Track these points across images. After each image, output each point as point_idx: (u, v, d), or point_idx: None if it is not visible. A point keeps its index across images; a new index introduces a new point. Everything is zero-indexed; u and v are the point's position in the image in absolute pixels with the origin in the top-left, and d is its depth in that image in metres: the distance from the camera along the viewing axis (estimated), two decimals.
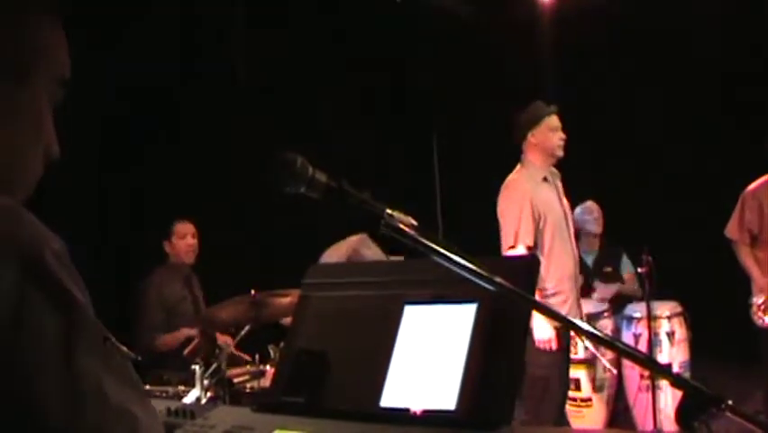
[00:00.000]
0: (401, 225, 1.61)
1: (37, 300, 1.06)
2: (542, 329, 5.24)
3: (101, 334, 1.13)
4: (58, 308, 1.08)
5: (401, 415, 2.01)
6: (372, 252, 3.54)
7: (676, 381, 1.75)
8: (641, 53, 8.47)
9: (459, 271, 1.64)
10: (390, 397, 2.05)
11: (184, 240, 6.50)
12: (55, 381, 1.04)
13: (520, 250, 5.39)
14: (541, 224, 5.46)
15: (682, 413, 1.63)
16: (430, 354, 2.07)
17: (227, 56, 7.18)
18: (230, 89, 7.18)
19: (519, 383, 2.02)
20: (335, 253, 3.80)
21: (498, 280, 1.65)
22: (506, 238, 5.50)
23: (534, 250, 5.41)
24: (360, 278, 2.35)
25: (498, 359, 1.99)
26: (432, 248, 1.62)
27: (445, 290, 2.11)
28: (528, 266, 2.11)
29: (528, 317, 2.08)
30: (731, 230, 6.41)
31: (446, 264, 1.63)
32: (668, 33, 8.33)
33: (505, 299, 1.99)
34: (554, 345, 5.27)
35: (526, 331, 2.13)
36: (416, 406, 2.01)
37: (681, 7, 8.25)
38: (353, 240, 3.73)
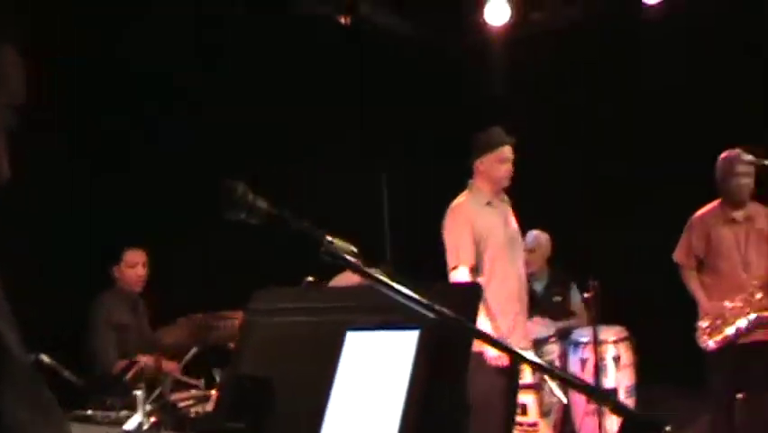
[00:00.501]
0: (340, 252, 1.62)
1: None
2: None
3: (25, 372, 1.11)
4: None
5: None
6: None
7: (616, 407, 1.77)
8: (593, 78, 8.57)
9: (399, 298, 1.64)
10: (331, 426, 2.04)
11: (134, 269, 6.42)
12: None
13: (462, 271, 5.55)
14: (482, 246, 5.59)
15: None
16: (372, 381, 2.06)
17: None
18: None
19: (463, 410, 2.02)
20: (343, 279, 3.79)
21: (438, 308, 1.66)
22: (449, 259, 5.64)
23: (475, 271, 5.52)
24: (303, 303, 2.34)
25: (441, 386, 1.98)
26: (371, 275, 1.63)
27: (388, 317, 2.11)
28: (470, 293, 2.12)
29: (470, 343, 2.08)
30: (678, 255, 6.48)
31: (386, 292, 1.63)
32: (619, 56, 8.44)
33: (448, 326, 2.00)
34: (506, 362, 5.32)
35: (469, 357, 2.12)
36: None
37: (634, 33, 8.37)
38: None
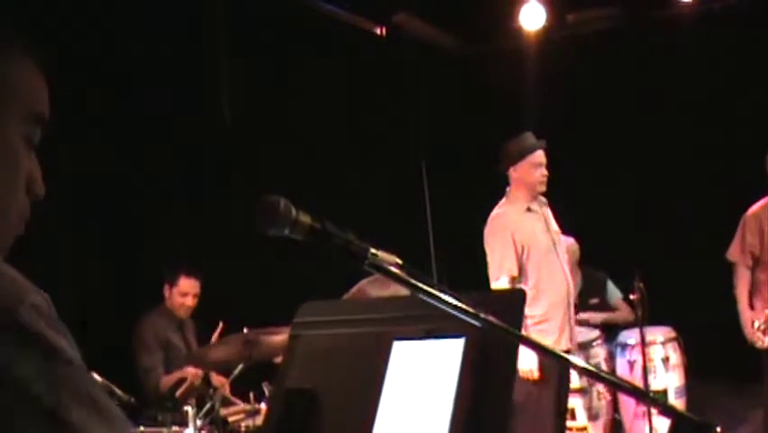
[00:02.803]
0: (385, 264, 1.63)
1: (23, 359, 1.07)
2: (524, 359, 5.29)
3: (86, 381, 1.13)
4: (44, 365, 1.08)
5: None
6: (383, 292, 3.54)
7: (665, 409, 1.77)
8: (630, 80, 8.53)
9: (444, 307, 1.65)
10: None
11: (184, 298, 6.45)
12: (40, 431, 1.05)
13: (504, 280, 5.57)
14: (524, 255, 5.59)
15: None
16: (420, 390, 2.08)
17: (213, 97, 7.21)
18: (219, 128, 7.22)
19: (509, 416, 2.02)
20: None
21: (483, 315, 1.67)
22: (491, 270, 5.64)
23: (518, 280, 5.54)
24: (349, 315, 2.36)
25: (488, 393, 1.99)
26: (416, 286, 1.64)
27: (434, 326, 2.12)
28: (515, 300, 2.13)
29: (517, 350, 2.09)
30: (733, 253, 6.43)
31: (431, 301, 1.64)
32: (656, 59, 8.41)
33: (493, 333, 2.01)
34: (536, 375, 5.32)
35: (515, 363, 2.14)
36: None
37: (670, 36, 8.33)
38: (366, 280, 3.75)
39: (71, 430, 1.07)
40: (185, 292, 6.44)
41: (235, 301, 6.44)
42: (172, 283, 6.46)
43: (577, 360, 1.75)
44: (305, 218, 1.62)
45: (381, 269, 1.62)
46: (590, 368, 1.77)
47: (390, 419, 2.07)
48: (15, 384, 1.06)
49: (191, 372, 5.97)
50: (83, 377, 1.13)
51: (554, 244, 5.80)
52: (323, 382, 2.22)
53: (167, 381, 6.15)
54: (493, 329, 1.74)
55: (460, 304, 1.66)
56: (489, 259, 5.69)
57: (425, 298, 1.64)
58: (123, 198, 6.40)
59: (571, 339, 5.77)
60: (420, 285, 1.64)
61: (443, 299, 1.65)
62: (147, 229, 6.63)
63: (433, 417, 2.01)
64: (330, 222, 1.64)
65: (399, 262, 1.65)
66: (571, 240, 7.69)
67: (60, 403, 1.08)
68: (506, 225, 5.67)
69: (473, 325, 1.80)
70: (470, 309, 1.66)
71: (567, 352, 5.62)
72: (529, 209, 5.75)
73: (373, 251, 1.62)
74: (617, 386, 1.77)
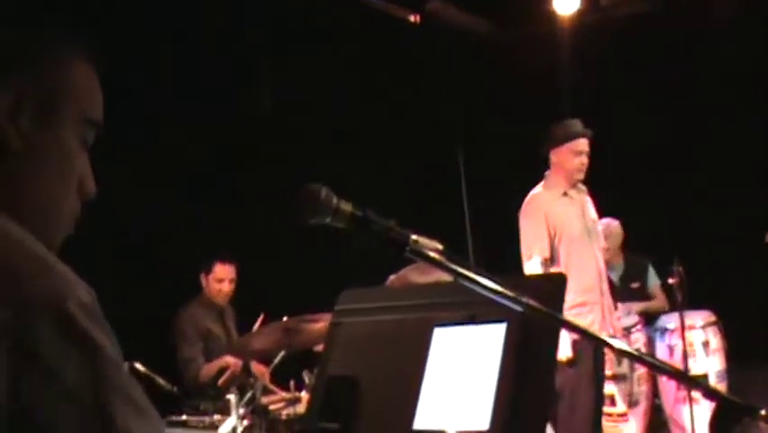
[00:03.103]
0: (427, 251, 1.63)
1: (70, 356, 1.09)
2: (560, 346, 5.28)
3: (128, 381, 1.15)
4: (90, 364, 1.10)
5: None
6: (426, 279, 3.54)
7: (708, 391, 1.76)
8: (665, 63, 8.46)
9: (486, 292, 1.65)
10: (423, 420, 2.07)
11: (220, 284, 6.50)
12: (84, 427, 1.07)
13: (536, 261, 5.56)
14: (556, 238, 5.57)
15: (717, 424, 1.64)
16: (461, 375, 2.08)
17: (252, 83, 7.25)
18: (256, 117, 7.25)
19: (551, 401, 2.03)
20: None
21: (525, 300, 1.67)
22: (523, 250, 5.65)
23: (549, 262, 5.53)
24: (390, 302, 2.37)
25: (530, 377, 2.00)
26: (458, 271, 1.64)
27: (475, 311, 2.13)
28: (556, 285, 2.13)
29: (557, 334, 2.09)
30: None
31: (473, 287, 1.65)
32: (691, 41, 8.33)
33: (534, 318, 2.01)
34: (570, 354, 5.29)
35: (556, 347, 2.14)
36: (450, 428, 2.03)
37: (705, 18, 8.25)
38: (408, 267, 3.76)
39: (115, 429, 1.09)
40: (221, 278, 6.49)
41: (274, 290, 6.47)
42: (208, 271, 6.51)
43: (619, 342, 1.75)
44: (346, 206, 1.63)
45: (422, 255, 1.62)
46: (632, 351, 1.76)
47: (432, 405, 2.08)
48: (61, 379, 1.08)
49: (231, 361, 6.02)
50: (125, 377, 1.15)
51: (589, 231, 5.77)
52: (365, 369, 2.23)
53: (207, 370, 6.20)
54: (535, 314, 1.74)
55: (501, 289, 1.67)
56: (522, 240, 5.70)
57: (466, 283, 1.65)
58: (160, 189, 6.45)
59: (611, 326, 5.74)
60: (462, 271, 1.64)
61: (485, 285, 1.65)
62: (185, 220, 6.67)
63: (475, 402, 2.02)
64: (371, 209, 1.65)
65: (440, 247, 1.66)
66: (615, 222, 7.66)
67: (104, 401, 1.10)
68: (539, 207, 5.68)
69: (514, 310, 1.81)
70: (512, 294, 1.66)
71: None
72: (566, 194, 5.74)
73: (414, 237, 1.63)
74: (659, 369, 1.76)
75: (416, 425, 2.07)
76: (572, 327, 1.97)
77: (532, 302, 1.68)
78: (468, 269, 1.65)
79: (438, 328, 2.17)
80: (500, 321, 2.08)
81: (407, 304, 2.31)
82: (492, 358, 2.05)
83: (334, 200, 1.61)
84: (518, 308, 1.68)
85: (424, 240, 1.64)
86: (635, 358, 1.92)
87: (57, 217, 1.34)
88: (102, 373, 1.11)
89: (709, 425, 1.63)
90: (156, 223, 6.42)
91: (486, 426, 1.98)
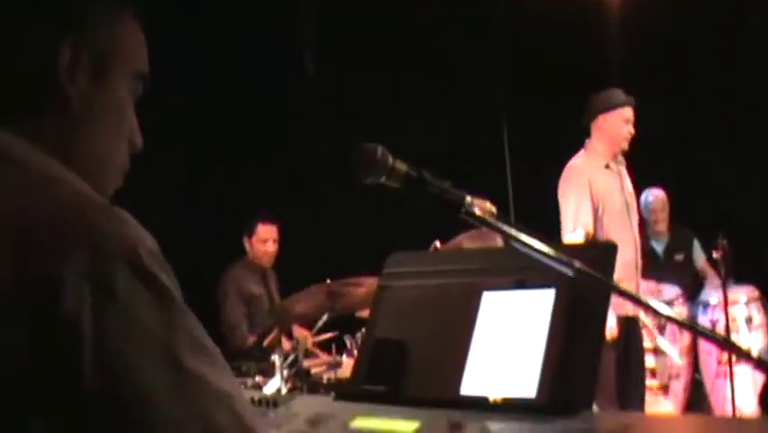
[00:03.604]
0: (481, 213, 1.63)
1: (144, 299, 1.11)
2: None
3: (198, 328, 1.18)
4: (162, 307, 1.13)
5: (481, 403, 2.02)
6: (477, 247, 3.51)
7: (759, 362, 1.75)
8: (708, 31, 8.32)
9: (538, 256, 1.65)
10: (470, 385, 2.07)
11: (264, 245, 6.54)
12: (161, 372, 1.10)
13: (579, 234, 5.42)
14: (600, 210, 5.46)
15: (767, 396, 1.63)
16: (509, 340, 2.08)
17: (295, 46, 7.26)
18: (299, 81, 7.26)
19: (599, 368, 2.02)
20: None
21: (578, 264, 1.66)
22: (565, 222, 5.51)
23: (592, 235, 5.42)
24: (438, 266, 2.36)
25: (578, 344, 1.99)
26: (511, 234, 1.63)
27: (524, 277, 2.12)
28: (606, 252, 2.11)
29: (607, 302, 2.07)
30: None
31: (525, 250, 1.64)
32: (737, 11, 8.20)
33: (583, 285, 2.00)
34: (615, 333, 5.23)
35: (606, 315, 2.12)
36: (497, 394, 2.02)
37: None
38: (463, 235, 3.74)
39: (186, 374, 1.12)
40: (264, 239, 6.53)
41: (317, 253, 6.49)
42: (251, 233, 6.55)
43: (668, 309, 1.74)
44: (401, 166, 1.63)
45: (477, 217, 1.62)
46: (683, 321, 1.75)
47: (480, 370, 2.08)
48: (138, 320, 1.10)
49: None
50: (195, 323, 1.18)
51: (627, 205, 5.69)
52: (412, 333, 2.23)
53: (251, 336, 6.27)
54: (585, 279, 1.73)
55: (553, 252, 1.66)
56: (564, 210, 5.55)
57: (518, 246, 1.64)
58: (202, 150, 6.48)
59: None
60: (514, 233, 1.64)
61: (538, 248, 1.64)
62: (229, 181, 6.71)
63: (523, 367, 2.01)
64: (426, 170, 1.64)
65: (494, 210, 1.65)
66: (660, 192, 7.61)
67: (177, 346, 1.12)
68: (584, 177, 5.54)
69: (563, 276, 1.80)
70: (566, 258, 1.65)
71: (634, 318, 5.56)
72: (607, 166, 5.65)
73: (469, 199, 1.63)
74: (708, 337, 1.75)
75: (463, 390, 2.07)
76: (623, 293, 1.96)
77: (584, 267, 1.67)
78: (520, 232, 1.64)
79: (487, 293, 2.17)
80: (549, 287, 2.07)
81: (456, 268, 2.30)
82: (540, 324, 2.04)
83: (390, 160, 1.61)
84: (569, 272, 1.67)
85: (479, 201, 1.64)
86: (687, 328, 1.91)
87: (111, 170, 1.38)
88: (173, 318, 1.14)
89: (760, 396, 1.61)
90: (198, 185, 6.46)
91: (533, 393, 1.97)
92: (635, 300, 1.91)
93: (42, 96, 1.28)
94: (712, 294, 7.03)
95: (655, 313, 1.74)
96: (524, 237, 1.63)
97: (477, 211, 1.63)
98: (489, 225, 1.62)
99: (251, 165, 6.83)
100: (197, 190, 6.58)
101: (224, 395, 1.15)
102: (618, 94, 5.69)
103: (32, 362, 1.05)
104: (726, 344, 1.84)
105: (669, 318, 1.73)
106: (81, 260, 1.08)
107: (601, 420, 1.81)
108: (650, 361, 6.75)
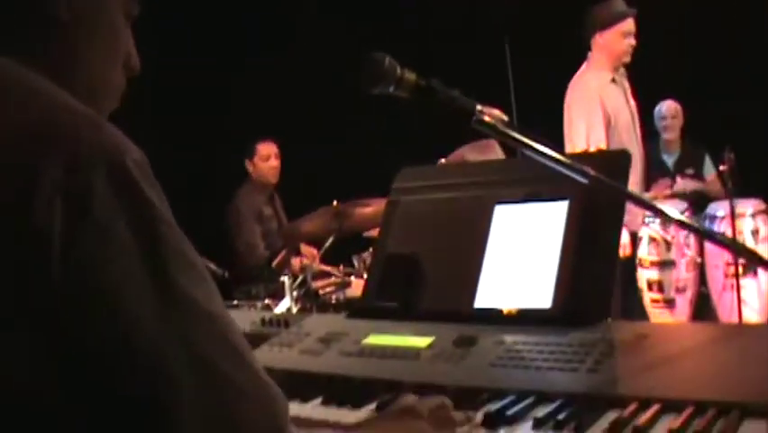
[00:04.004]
0: (492, 121, 1.59)
1: (125, 212, 1.04)
2: None
3: (184, 242, 1.11)
4: (145, 221, 1.05)
5: (495, 315, 2.01)
6: (481, 158, 3.45)
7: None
8: None
9: (552, 165, 1.61)
10: (484, 297, 2.06)
11: (267, 162, 6.52)
12: (144, 288, 1.03)
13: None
14: (611, 127, 5.35)
15: None
16: (523, 253, 2.06)
17: None
18: None
19: (614, 278, 2.00)
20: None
21: (593, 172, 1.63)
22: (576, 139, 5.37)
23: None
24: (449, 180, 2.33)
25: (593, 254, 1.97)
26: (524, 143, 1.60)
27: (536, 189, 2.09)
28: (621, 160, 2.08)
29: (622, 212, 2.05)
30: None
31: (538, 159, 1.61)
32: None
33: (597, 195, 1.97)
34: (628, 251, 5.20)
35: (620, 226, 2.10)
36: (511, 305, 2.01)
37: None
38: (465, 147, 3.68)
39: (173, 294, 1.05)
40: (266, 156, 6.51)
41: (324, 174, 6.47)
42: (251, 155, 6.52)
43: (680, 215, 1.71)
44: (410, 75, 1.59)
45: (489, 125, 1.58)
46: (696, 226, 1.72)
47: (493, 283, 2.06)
48: (116, 237, 1.03)
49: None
50: (181, 237, 1.10)
51: (633, 119, 5.61)
52: (424, 247, 2.21)
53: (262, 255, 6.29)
54: (600, 187, 1.70)
55: (567, 160, 1.63)
56: (574, 127, 5.39)
57: (533, 155, 1.60)
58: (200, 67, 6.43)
59: (634, 220, 5.64)
60: (527, 141, 1.60)
61: (552, 156, 1.61)
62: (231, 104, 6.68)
63: (537, 279, 2.00)
64: (435, 79, 1.61)
65: (506, 118, 1.62)
66: (674, 103, 7.56)
67: (161, 263, 1.05)
68: (594, 93, 5.37)
69: (576, 187, 1.77)
70: (581, 167, 1.62)
71: (634, 234, 5.54)
72: (613, 80, 5.54)
73: (480, 107, 1.59)
74: (716, 240, 1.72)
75: (477, 303, 2.06)
76: (638, 201, 1.93)
77: (599, 175, 1.64)
78: (533, 140, 1.61)
79: (499, 206, 2.14)
80: (562, 198, 2.05)
81: (467, 181, 2.27)
82: (554, 236, 2.02)
83: (398, 69, 1.58)
84: (583, 180, 1.63)
85: (489, 110, 1.60)
86: (701, 233, 1.88)
87: (105, 90, 1.33)
88: (158, 234, 1.06)
89: (766, 309, 1.59)
90: (203, 109, 6.42)
91: (548, 304, 1.96)
92: (650, 207, 1.87)
93: (32, 15, 1.23)
94: (719, 207, 7.00)
95: (668, 219, 1.70)
96: (536, 145, 1.59)
97: (488, 119, 1.58)
98: (502, 133, 1.58)
99: (251, 79, 6.78)
100: (201, 117, 6.53)
101: (214, 318, 1.08)
102: (617, 5, 5.52)
103: (3, 278, 0.98)
104: (738, 248, 1.82)
105: (681, 224, 1.70)
106: (55, 168, 1.01)
107: (616, 330, 1.80)
108: (656, 274, 6.76)
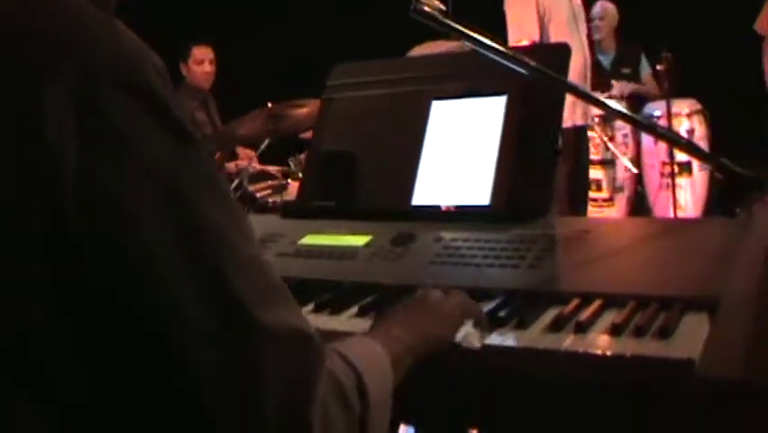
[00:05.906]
0: (430, 10, 1.53)
1: (146, 126, 0.93)
2: None
3: (213, 167, 1.01)
4: (169, 137, 0.95)
5: (434, 212, 1.98)
6: None
7: (719, 165, 1.70)
8: None
9: (492, 56, 1.57)
10: (422, 194, 2.02)
11: (201, 66, 6.37)
12: (165, 219, 0.92)
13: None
14: (546, 19, 5.30)
15: (726, 197, 1.59)
16: (461, 149, 2.02)
17: None
18: None
19: (554, 174, 1.98)
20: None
21: (533, 64, 1.59)
22: (511, 33, 5.32)
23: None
24: (384, 76, 2.26)
25: (532, 151, 1.94)
26: (463, 32, 1.55)
27: (474, 84, 2.04)
28: (560, 54, 2.04)
29: (561, 105, 2.01)
30: (761, 25, 6.20)
31: (479, 50, 1.56)
32: None
33: (535, 89, 1.93)
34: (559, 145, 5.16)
35: (560, 121, 2.06)
36: (449, 202, 1.98)
37: None
38: (413, 50, 3.60)
39: (197, 224, 0.94)
40: (200, 60, 6.36)
41: (256, 76, 6.35)
42: (186, 57, 6.37)
43: (618, 106, 1.68)
44: None
45: (428, 14, 1.53)
46: (638, 118, 1.69)
47: (431, 180, 2.03)
48: (136, 153, 0.92)
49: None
50: (211, 162, 1.00)
51: (575, 16, 5.55)
52: (360, 145, 2.16)
53: None
54: (538, 84, 1.66)
55: (508, 51, 1.58)
56: (509, 21, 5.35)
57: (472, 45, 1.56)
58: None
59: (585, 114, 5.62)
60: (467, 32, 1.55)
61: (492, 47, 1.56)
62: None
63: (476, 176, 1.97)
64: None
65: (444, 8, 1.56)
66: (610, 5, 7.51)
67: (186, 188, 0.95)
68: None
69: (515, 82, 1.73)
70: (518, 57, 1.58)
71: (581, 128, 5.51)
72: None
73: None
74: (676, 143, 1.70)
75: (415, 200, 2.02)
76: (577, 93, 1.89)
77: (540, 66, 1.60)
78: (473, 31, 1.55)
79: (436, 102, 2.09)
80: (501, 93, 2.01)
81: (404, 77, 2.21)
82: (493, 132, 1.99)
83: None
84: (524, 71, 1.59)
85: (428, 0, 1.54)
86: (644, 127, 1.87)
87: None
88: (185, 152, 0.96)
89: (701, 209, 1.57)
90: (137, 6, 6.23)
91: (486, 200, 1.93)
92: (590, 99, 1.84)
93: None
94: (655, 108, 7.03)
95: (610, 111, 1.67)
96: (476, 35, 1.54)
97: (427, 9, 1.53)
98: (440, 23, 1.53)
99: None
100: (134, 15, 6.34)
101: (239, 247, 0.97)
102: None
103: (16, 199, 0.88)
104: (679, 142, 1.80)
105: (623, 117, 1.67)
106: (68, 76, 0.90)
107: (557, 227, 1.77)
108: (596, 173, 6.80)
